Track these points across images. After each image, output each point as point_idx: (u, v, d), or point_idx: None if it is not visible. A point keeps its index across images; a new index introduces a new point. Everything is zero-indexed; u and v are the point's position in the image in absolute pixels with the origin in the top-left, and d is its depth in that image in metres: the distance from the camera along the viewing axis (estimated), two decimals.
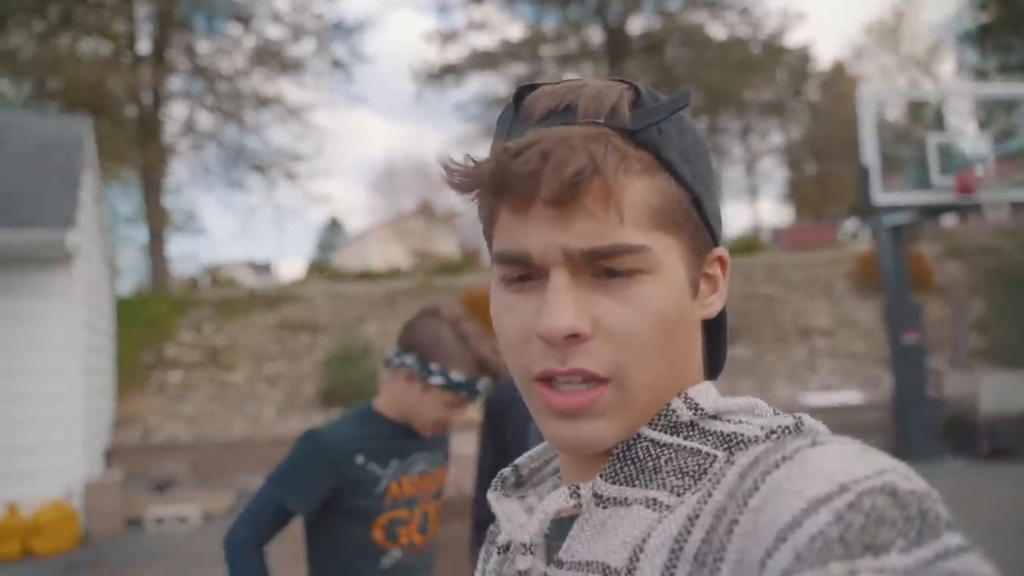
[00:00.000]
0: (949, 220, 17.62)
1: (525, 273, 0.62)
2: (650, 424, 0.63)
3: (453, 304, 2.10)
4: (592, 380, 0.60)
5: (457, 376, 1.93)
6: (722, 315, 0.71)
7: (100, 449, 10.04)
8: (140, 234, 28.81)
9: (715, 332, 0.72)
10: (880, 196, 9.39)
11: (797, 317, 14.39)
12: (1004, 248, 15.50)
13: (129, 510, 8.55)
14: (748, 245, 21.55)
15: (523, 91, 0.65)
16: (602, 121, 0.60)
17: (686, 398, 0.64)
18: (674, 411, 0.63)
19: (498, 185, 0.60)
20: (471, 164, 0.61)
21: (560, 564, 0.63)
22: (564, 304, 0.58)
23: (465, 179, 0.61)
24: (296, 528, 1.85)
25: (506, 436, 2.38)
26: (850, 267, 15.59)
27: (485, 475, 2.49)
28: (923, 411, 9.55)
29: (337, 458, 1.92)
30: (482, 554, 0.80)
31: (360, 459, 1.94)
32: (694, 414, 0.63)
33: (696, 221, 0.64)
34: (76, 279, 8.36)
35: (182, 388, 12.99)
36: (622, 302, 0.60)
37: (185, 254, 54.47)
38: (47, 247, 7.70)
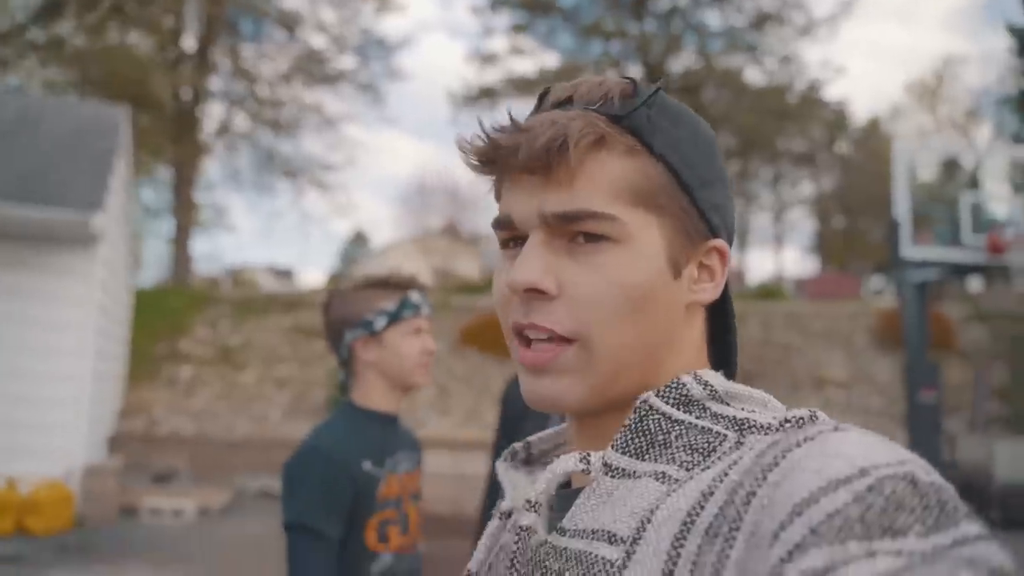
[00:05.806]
0: (975, 284, 17.44)
1: (513, 237, 0.68)
2: (661, 396, 0.65)
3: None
4: (557, 340, 0.64)
5: (389, 306, 1.87)
6: (727, 309, 0.74)
7: (103, 435, 10.05)
8: (167, 229, 29.05)
9: (720, 326, 0.74)
10: (909, 250, 9.30)
11: (813, 367, 14.22)
12: None
13: (126, 498, 8.52)
14: (769, 292, 21.42)
15: (547, 90, 0.72)
16: (594, 108, 0.65)
17: (695, 375, 0.66)
18: (684, 385, 0.65)
19: (488, 158, 0.66)
20: (477, 143, 0.67)
21: (563, 532, 0.63)
22: (531, 260, 0.63)
23: (470, 155, 0.67)
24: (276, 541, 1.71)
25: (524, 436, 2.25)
26: (872, 321, 15.41)
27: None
28: None
29: (352, 470, 1.79)
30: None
31: (367, 465, 1.82)
32: (704, 390, 0.65)
33: (685, 207, 0.67)
34: (97, 262, 8.41)
35: (191, 383, 13.01)
36: (587, 267, 0.64)
37: (209, 254, 54.90)
38: (72, 227, 7.74)
